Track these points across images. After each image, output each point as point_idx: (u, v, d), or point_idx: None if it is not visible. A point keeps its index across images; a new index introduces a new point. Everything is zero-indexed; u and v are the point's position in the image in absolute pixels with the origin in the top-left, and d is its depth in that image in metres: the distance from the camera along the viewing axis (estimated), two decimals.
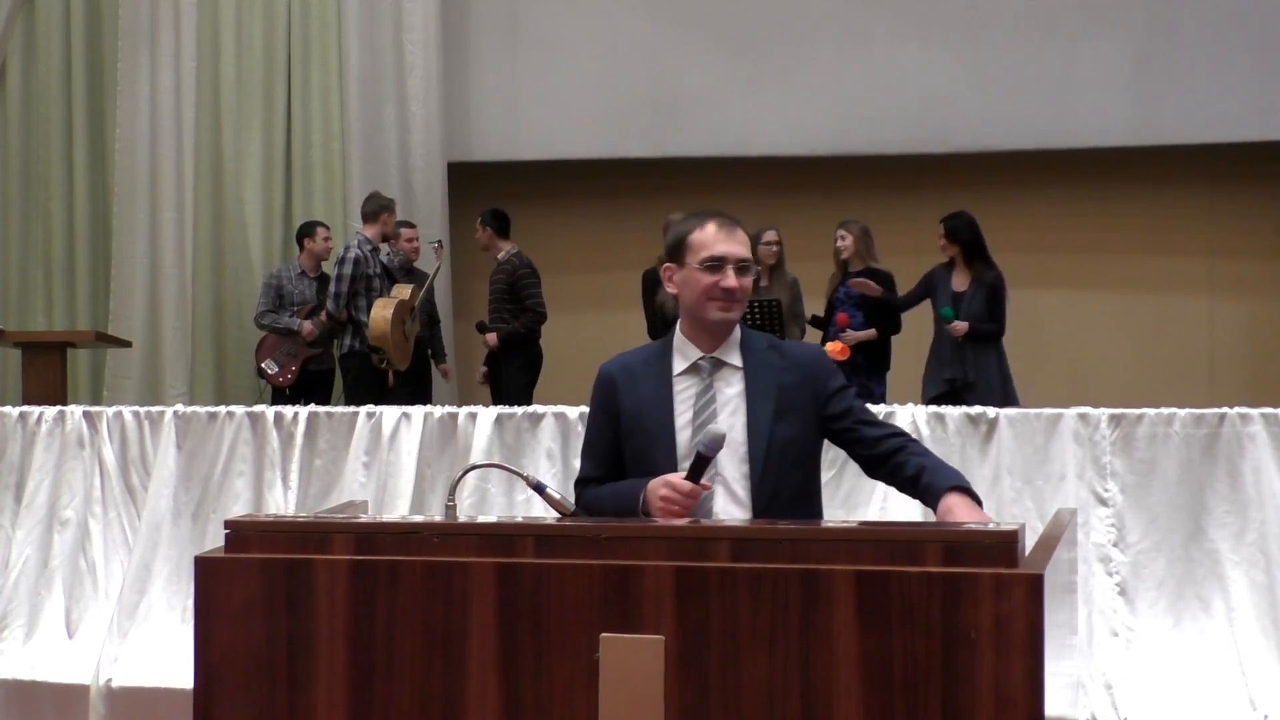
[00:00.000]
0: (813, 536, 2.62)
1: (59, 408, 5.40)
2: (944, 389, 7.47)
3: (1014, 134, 9.40)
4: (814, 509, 3.34)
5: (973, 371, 7.49)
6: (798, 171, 9.69)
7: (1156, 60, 9.27)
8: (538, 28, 9.99)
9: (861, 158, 9.59)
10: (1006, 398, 7.02)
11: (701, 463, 3.03)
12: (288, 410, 5.04)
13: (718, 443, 3.06)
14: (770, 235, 8.17)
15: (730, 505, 3.20)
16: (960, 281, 7.80)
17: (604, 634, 2.38)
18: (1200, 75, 9.18)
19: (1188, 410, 4.46)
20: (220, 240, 9.68)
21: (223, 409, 5.08)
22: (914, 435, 4.50)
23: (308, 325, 8.54)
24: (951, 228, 7.88)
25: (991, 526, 2.55)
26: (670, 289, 3.37)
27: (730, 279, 3.20)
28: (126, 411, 5.15)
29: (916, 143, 9.49)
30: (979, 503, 3.05)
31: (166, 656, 4.70)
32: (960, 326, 7.57)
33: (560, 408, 4.78)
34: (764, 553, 2.47)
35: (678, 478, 3.04)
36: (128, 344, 8.83)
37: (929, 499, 3.07)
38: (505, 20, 10.05)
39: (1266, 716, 4.17)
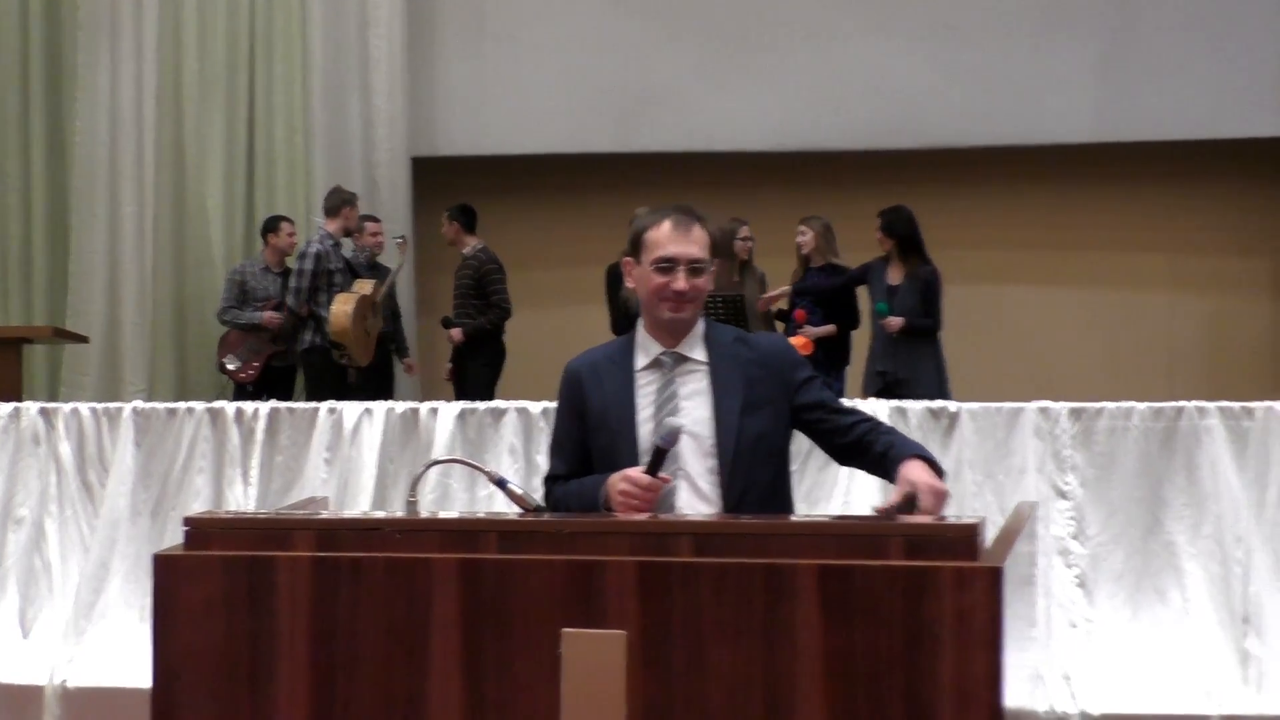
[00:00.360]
0: (775, 531, 2.63)
1: (14, 404, 5.28)
2: (879, 384, 7.52)
3: (980, 131, 9.45)
4: (785, 505, 3.33)
5: (906, 368, 7.58)
6: (765, 167, 9.72)
7: (1120, 59, 9.34)
8: (503, 22, 9.95)
9: (828, 153, 9.62)
10: (941, 394, 7.07)
11: (659, 455, 3.03)
12: (248, 406, 5.00)
13: (674, 435, 3.07)
14: (745, 231, 8.27)
15: (695, 500, 3.19)
16: (895, 276, 7.86)
17: (565, 629, 2.39)
18: (1163, 74, 9.25)
19: (1146, 404, 4.50)
20: (181, 235, 9.61)
21: (182, 405, 5.04)
22: (904, 427, 4.53)
23: (268, 314, 8.50)
24: (888, 222, 7.93)
25: (952, 520, 2.56)
26: (630, 284, 3.38)
27: (680, 281, 3.20)
28: (84, 408, 5.09)
29: (884, 139, 9.53)
30: (940, 473, 3.05)
31: (124, 656, 4.66)
32: (894, 322, 7.65)
33: (523, 403, 4.77)
34: (727, 547, 2.47)
35: (636, 471, 3.04)
36: (85, 339, 8.70)
37: (890, 469, 3.06)
38: (470, 14, 10.02)
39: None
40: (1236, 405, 4.48)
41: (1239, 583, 4.36)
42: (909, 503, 2.87)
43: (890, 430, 3.29)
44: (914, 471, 2.97)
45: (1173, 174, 9.53)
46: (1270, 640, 4.31)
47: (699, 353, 3.30)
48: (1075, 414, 4.49)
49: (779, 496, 3.29)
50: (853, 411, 3.37)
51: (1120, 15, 9.36)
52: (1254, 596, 4.35)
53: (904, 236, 7.87)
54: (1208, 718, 4.19)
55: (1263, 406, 4.47)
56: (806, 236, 8.32)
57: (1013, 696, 2.42)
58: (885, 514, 2.92)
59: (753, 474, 3.17)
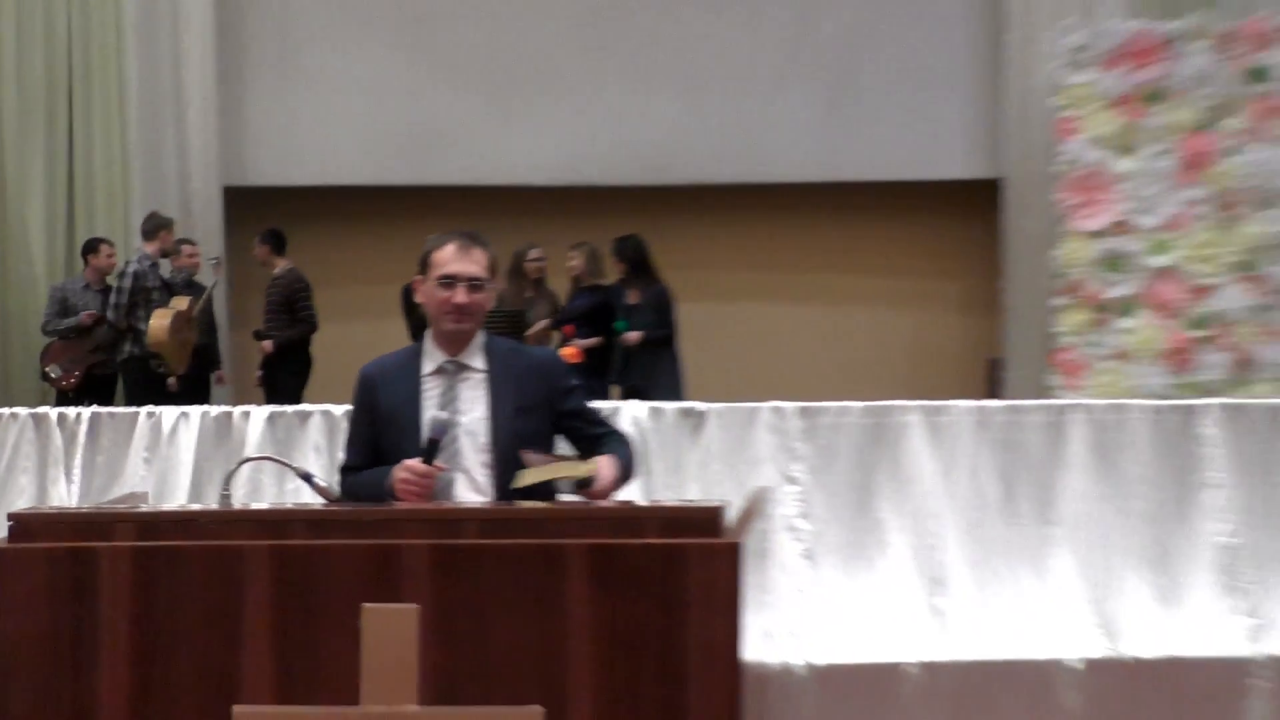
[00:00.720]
0: (550, 516, 2.67)
1: None
2: (625, 394, 7.65)
3: (723, 170, 9.65)
4: (548, 494, 3.36)
5: (645, 376, 7.76)
6: (542, 199, 9.71)
7: (841, 110, 9.63)
8: (308, 64, 9.78)
9: (596, 188, 9.68)
10: (678, 396, 7.28)
11: (433, 446, 3.06)
12: (70, 411, 4.79)
13: (442, 427, 3.11)
14: (536, 253, 8.38)
15: (471, 492, 3.20)
16: (633, 296, 8.05)
17: (365, 604, 2.37)
18: (877, 124, 9.57)
19: (861, 403, 4.62)
20: (4, 255, 9.15)
21: (6, 411, 4.80)
22: (639, 426, 4.60)
23: (86, 314, 8.24)
24: (619, 249, 8.15)
25: (700, 503, 2.64)
26: (419, 299, 3.38)
27: (460, 296, 3.24)
28: None
29: (642, 176, 9.65)
30: (628, 473, 3.25)
31: None
32: (632, 336, 7.86)
33: (327, 406, 4.69)
34: (508, 530, 2.50)
35: (414, 461, 3.05)
36: None
37: None
38: (277, 56, 9.82)
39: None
40: (933, 404, 4.62)
41: (932, 552, 4.53)
42: (586, 483, 3.07)
43: (621, 442, 3.38)
44: (603, 466, 3.11)
45: (884, 209, 9.83)
46: (956, 599, 4.48)
47: (479, 361, 3.32)
48: (802, 412, 4.60)
49: (542, 487, 3.33)
50: (603, 424, 3.47)
51: (842, 71, 9.63)
52: (944, 563, 4.52)
53: (634, 261, 8.08)
54: (908, 663, 4.34)
55: (954, 404, 4.64)
56: (576, 261, 8.43)
57: (750, 652, 2.49)
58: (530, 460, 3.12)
59: (521, 468, 3.20)
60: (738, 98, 9.64)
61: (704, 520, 2.50)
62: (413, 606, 2.37)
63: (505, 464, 3.18)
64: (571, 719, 2.36)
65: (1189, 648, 4.43)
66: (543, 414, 3.29)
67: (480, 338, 3.35)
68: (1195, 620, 4.50)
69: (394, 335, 7.81)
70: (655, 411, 4.65)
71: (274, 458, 4.29)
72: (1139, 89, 7.96)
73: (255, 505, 4.30)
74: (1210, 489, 4.60)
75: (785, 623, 4.35)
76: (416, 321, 7.73)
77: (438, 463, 3.07)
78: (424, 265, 3.33)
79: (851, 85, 9.64)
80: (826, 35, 9.61)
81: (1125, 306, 7.96)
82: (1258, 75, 7.91)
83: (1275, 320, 7.89)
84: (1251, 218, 7.89)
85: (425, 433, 3.13)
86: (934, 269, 9.84)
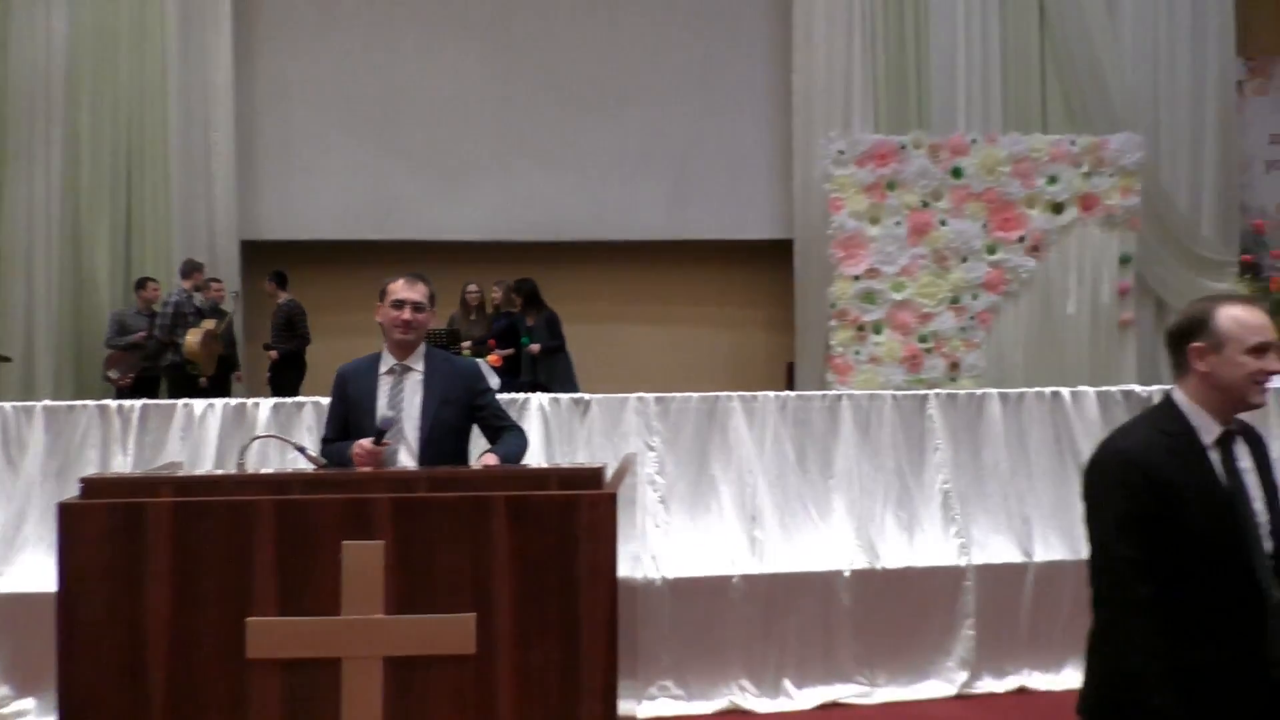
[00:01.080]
0: (479, 476, 2.61)
1: None
2: (532, 389, 7.60)
3: (600, 229, 9.59)
4: (464, 463, 3.35)
5: (546, 376, 7.74)
6: (474, 251, 9.54)
7: (684, 187, 9.64)
8: (303, 151, 9.49)
9: (510, 243, 9.55)
10: (572, 389, 7.27)
11: (380, 434, 3.08)
12: (127, 403, 4.57)
13: (387, 421, 3.13)
14: (472, 288, 8.49)
15: (409, 460, 3.19)
16: (530, 320, 8.03)
17: (345, 541, 2.29)
18: (710, 198, 9.62)
19: (698, 394, 4.65)
20: (79, 289, 8.82)
21: (79, 403, 4.56)
22: (544, 410, 4.54)
23: (139, 333, 8.01)
24: (518, 287, 8.11)
25: (587, 465, 2.60)
26: (377, 318, 3.34)
27: (406, 314, 3.23)
28: (6, 406, 4.54)
29: (542, 234, 9.53)
30: (518, 455, 3.25)
31: (38, 573, 4.18)
32: (534, 348, 7.84)
33: (317, 399, 4.54)
34: (450, 486, 2.43)
35: (367, 441, 3.10)
36: (9, 359, 7.99)
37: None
38: (280, 145, 9.52)
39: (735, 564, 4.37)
40: (748, 394, 4.67)
41: (749, 498, 4.55)
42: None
43: (513, 434, 3.36)
44: (485, 459, 3.17)
45: (713, 259, 9.87)
46: (766, 530, 4.51)
47: (419, 365, 3.29)
48: (658, 400, 4.59)
49: (460, 458, 3.32)
50: (505, 418, 3.43)
51: (683, 159, 9.60)
52: (757, 505, 4.55)
53: (528, 295, 8.04)
54: (734, 576, 4.35)
55: (763, 395, 4.68)
56: (496, 294, 8.36)
57: (623, 570, 2.46)
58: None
59: (443, 444, 3.22)
60: (610, 176, 9.58)
61: (590, 478, 2.46)
62: (379, 543, 2.29)
63: (433, 440, 3.16)
64: (497, 620, 2.30)
65: (922, 560, 4.52)
66: (462, 407, 3.28)
67: (422, 348, 3.30)
68: (926, 541, 4.58)
69: (366, 348, 7.59)
70: (555, 400, 4.60)
71: (278, 435, 4.15)
72: (881, 179, 8.13)
73: (264, 470, 4.15)
74: (934, 451, 4.70)
75: (648, 550, 4.34)
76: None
77: (387, 440, 3.11)
78: (382, 294, 3.31)
79: (690, 170, 9.65)
80: (672, 134, 9.62)
81: (876, 326, 8.11)
82: (956, 173, 8.15)
83: (973, 337, 8.13)
84: (956, 267, 8.12)
85: (377, 423, 3.13)
86: (748, 301, 9.92)
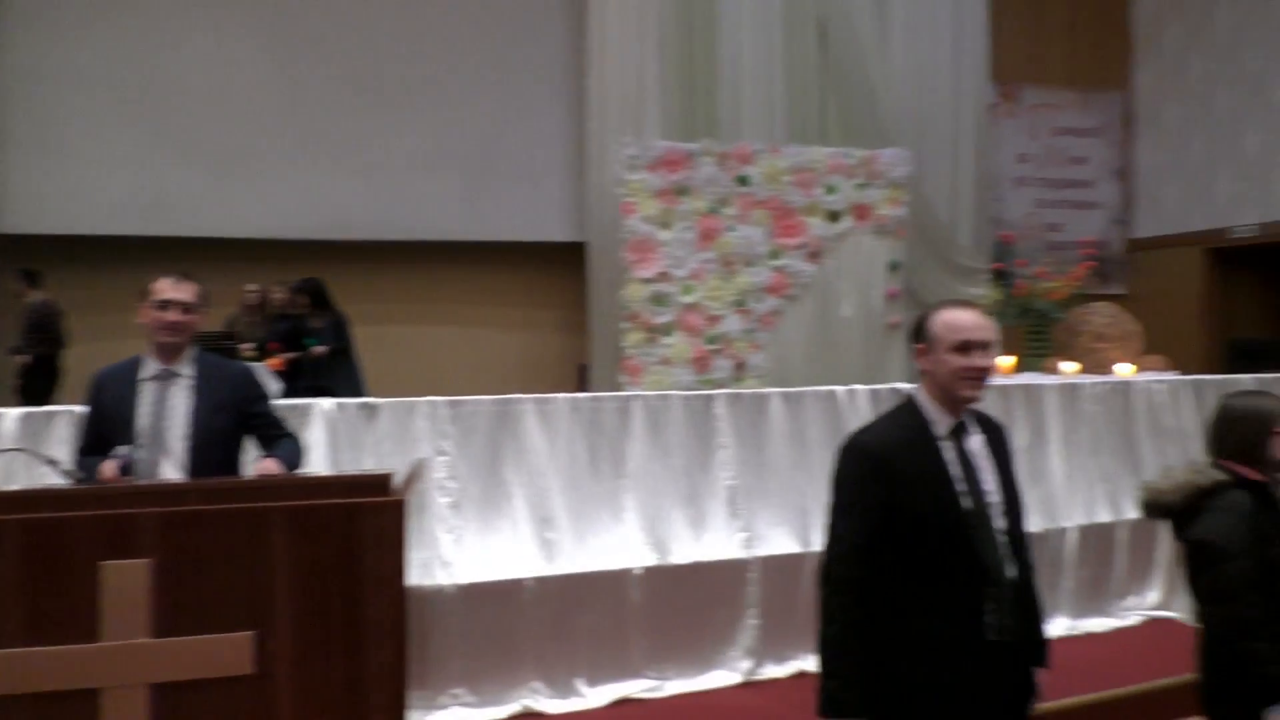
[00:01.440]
0: (255, 486, 2.49)
1: None
2: (316, 394, 7.35)
3: (390, 229, 9.35)
4: (235, 473, 3.18)
5: (330, 379, 7.50)
6: (254, 249, 9.06)
7: (477, 189, 9.56)
8: (60, 135, 8.74)
9: (294, 241, 9.13)
10: (359, 393, 7.07)
11: (124, 469, 2.93)
12: None
13: (126, 457, 2.96)
14: (251, 288, 8.08)
15: (173, 470, 3.01)
16: (316, 322, 7.76)
17: (102, 561, 2.13)
18: (504, 200, 9.58)
19: (491, 396, 4.61)
20: None
21: None
22: (328, 417, 4.37)
23: None
24: (303, 287, 7.83)
25: (374, 471, 2.54)
26: (141, 319, 3.14)
27: (171, 315, 3.05)
28: None
29: (328, 232, 9.19)
30: (294, 464, 3.12)
31: None
32: (318, 350, 7.56)
33: (71, 407, 4.18)
34: (224, 498, 2.31)
35: (110, 467, 2.93)
36: None
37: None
38: (31, 128, 8.70)
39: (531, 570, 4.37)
40: (541, 396, 4.67)
41: (542, 498, 4.56)
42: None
43: (291, 440, 3.25)
44: (264, 465, 3.04)
45: (507, 261, 9.84)
46: (559, 532, 4.54)
47: (188, 370, 3.09)
48: (450, 404, 4.53)
49: (231, 468, 3.15)
50: (279, 427, 3.30)
51: (477, 161, 9.56)
52: (550, 508, 4.56)
53: (314, 295, 7.77)
54: (527, 578, 4.36)
55: (556, 397, 4.69)
56: (279, 295, 7.99)
57: (413, 578, 2.42)
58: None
59: (213, 453, 3.05)
60: (401, 175, 9.37)
61: (377, 484, 2.41)
62: (142, 561, 2.15)
63: (202, 449, 3.00)
64: (277, 639, 2.20)
65: (710, 555, 4.67)
66: (234, 414, 3.11)
67: (192, 351, 3.11)
68: (713, 537, 4.74)
69: (129, 351, 7.09)
70: (340, 405, 4.44)
71: (26, 449, 3.78)
72: (672, 185, 8.36)
73: (12, 487, 3.79)
74: (721, 449, 4.87)
75: (439, 556, 4.27)
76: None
77: (125, 479, 2.93)
78: (144, 295, 3.11)
79: (484, 170, 9.58)
80: (467, 133, 9.53)
81: (667, 329, 8.33)
82: (743, 180, 8.51)
83: (758, 339, 8.50)
84: (742, 271, 8.46)
85: (117, 457, 2.95)
86: (541, 303, 9.94)
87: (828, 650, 2.31)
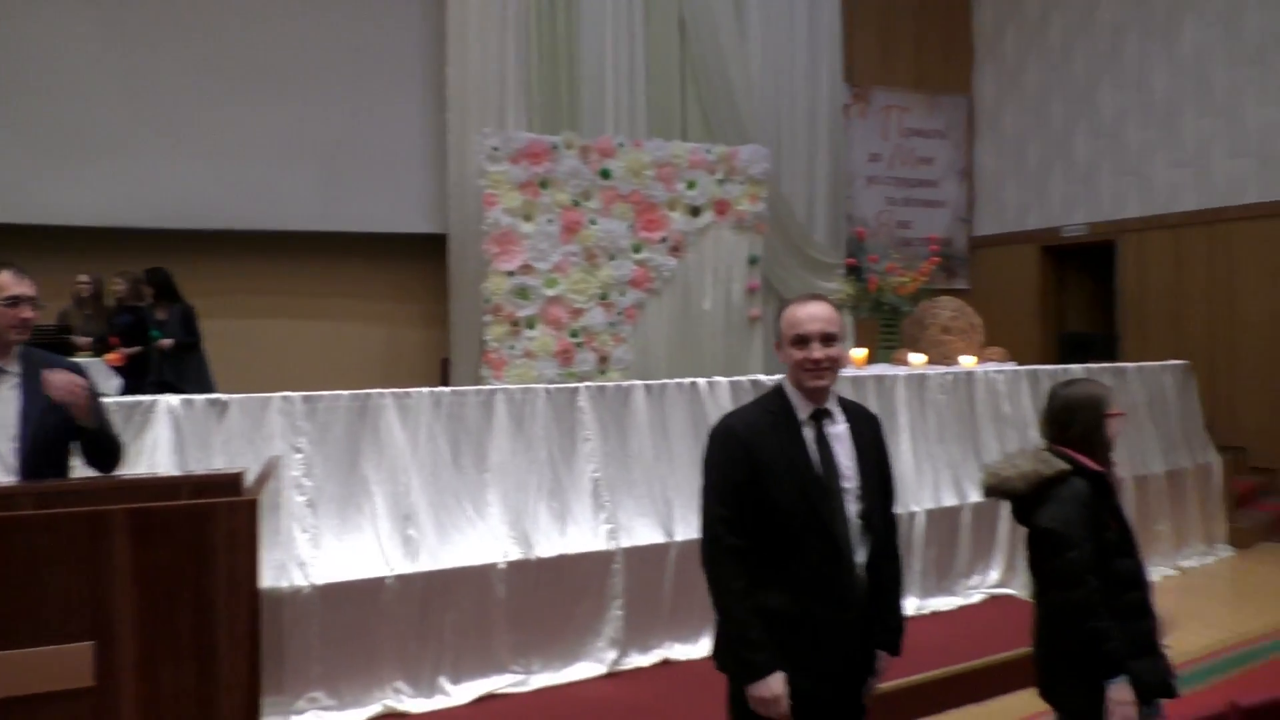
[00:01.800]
0: (96, 488, 2.37)
1: None
2: (158, 390, 7.05)
3: (243, 219, 8.96)
4: (66, 474, 3.00)
5: (176, 375, 7.21)
6: (95, 237, 8.52)
7: (336, 178, 9.24)
8: None
9: (138, 230, 8.65)
10: (207, 389, 6.80)
11: None
12: None
13: None
14: (83, 278, 7.59)
15: (2, 474, 2.81)
16: (161, 313, 7.45)
17: None
18: (363, 190, 9.30)
19: (349, 391, 4.51)
20: None
21: None
22: (174, 414, 4.18)
23: None
24: (149, 277, 7.55)
25: (224, 470, 2.45)
26: None
27: (23, 313, 2.88)
28: None
29: (176, 221, 8.73)
30: (112, 457, 2.99)
31: None
32: (165, 343, 7.28)
33: None
34: (60, 501, 2.19)
35: None
36: None
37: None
38: None
39: (393, 568, 4.31)
40: (401, 391, 4.60)
41: (404, 495, 4.49)
42: None
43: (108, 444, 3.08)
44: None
45: (366, 253, 9.58)
46: (421, 528, 4.48)
47: (15, 367, 2.91)
48: (305, 399, 4.41)
49: (62, 470, 2.97)
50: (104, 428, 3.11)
51: (336, 150, 9.23)
52: (412, 504, 4.49)
53: (160, 286, 7.45)
54: (388, 576, 4.28)
55: (416, 391, 4.63)
56: (119, 286, 7.56)
57: (267, 580, 2.35)
58: None
59: (47, 455, 2.87)
60: (254, 163, 8.98)
61: (227, 484, 2.32)
62: None
63: (32, 451, 2.82)
64: (120, 650, 2.10)
65: (575, 547, 4.71)
66: (64, 413, 2.93)
67: (18, 347, 2.92)
68: (578, 529, 4.78)
69: None
70: (187, 402, 4.25)
71: None
72: (534, 177, 8.34)
73: None
74: (585, 441, 4.91)
75: (295, 556, 4.15)
76: None
77: None
78: None
79: (342, 160, 9.29)
80: (324, 121, 9.20)
81: (530, 321, 8.31)
82: (605, 174, 8.56)
83: (621, 332, 8.58)
84: (606, 265, 8.52)
85: None
86: (401, 295, 9.73)
87: (728, 621, 2.42)
